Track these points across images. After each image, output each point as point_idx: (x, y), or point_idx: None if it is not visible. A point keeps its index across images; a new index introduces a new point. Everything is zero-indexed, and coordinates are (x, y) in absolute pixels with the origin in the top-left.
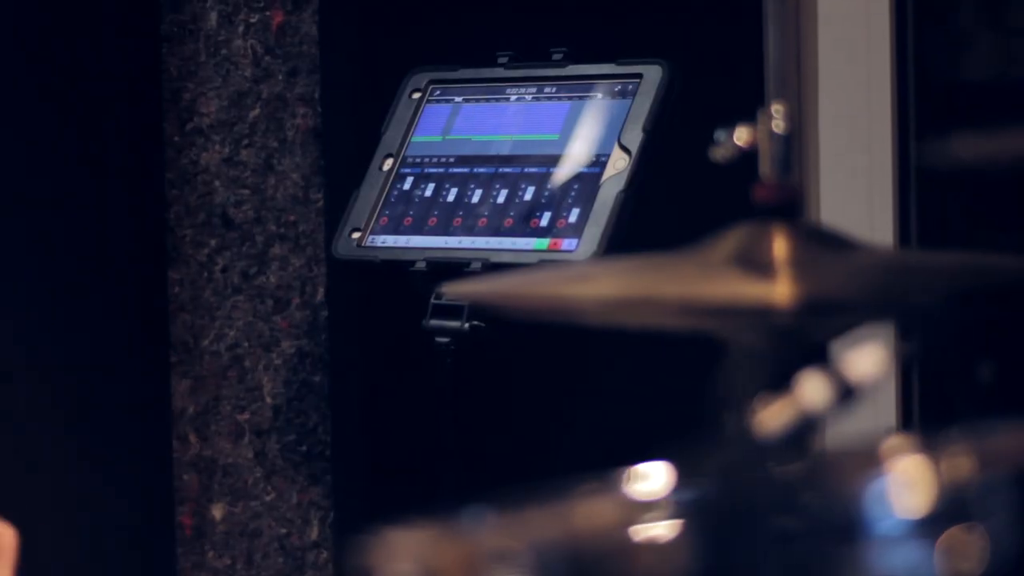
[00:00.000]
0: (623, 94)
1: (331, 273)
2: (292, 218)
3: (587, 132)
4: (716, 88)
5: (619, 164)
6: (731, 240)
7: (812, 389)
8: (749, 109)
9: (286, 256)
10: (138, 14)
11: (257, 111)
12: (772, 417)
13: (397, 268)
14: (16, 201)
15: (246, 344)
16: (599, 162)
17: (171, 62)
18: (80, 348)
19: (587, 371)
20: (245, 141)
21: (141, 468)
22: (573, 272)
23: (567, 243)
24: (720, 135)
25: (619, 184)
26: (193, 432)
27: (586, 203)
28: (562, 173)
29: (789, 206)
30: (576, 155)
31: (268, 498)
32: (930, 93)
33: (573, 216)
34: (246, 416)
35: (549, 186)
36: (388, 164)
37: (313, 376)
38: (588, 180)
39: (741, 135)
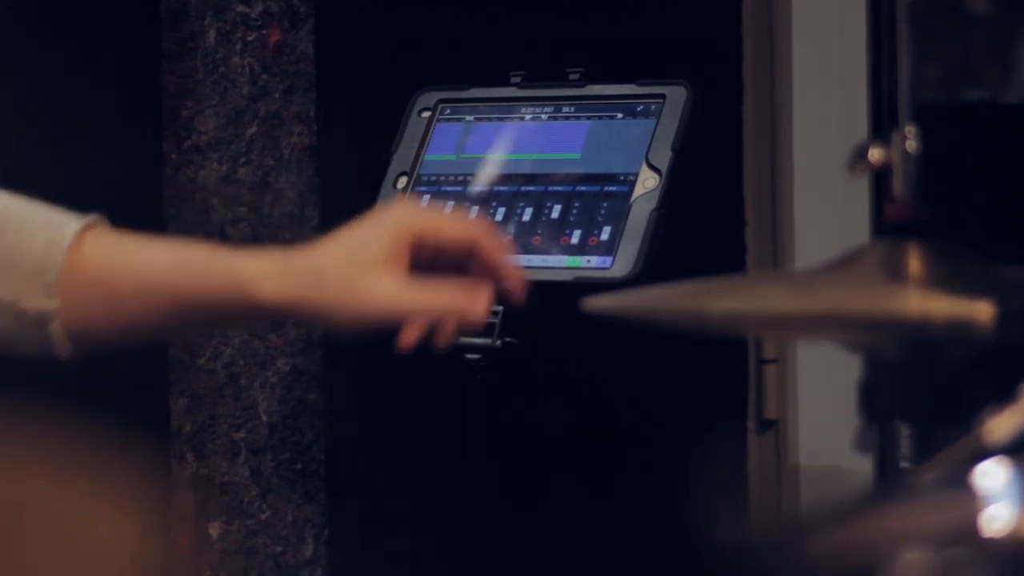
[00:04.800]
0: (645, 114)
1: None
2: (288, 236)
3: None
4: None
5: (648, 183)
6: (869, 257)
7: None
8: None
9: None
10: (138, 31)
11: (254, 129)
12: (999, 427)
13: None
14: None
15: (242, 362)
16: (626, 181)
17: (170, 79)
18: (80, 367)
19: (627, 389)
20: (242, 159)
21: (140, 487)
22: (717, 287)
23: (600, 260)
24: (855, 153)
25: (651, 202)
26: (190, 451)
27: (617, 221)
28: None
29: (922, 224)
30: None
31: (264, 516)
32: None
33: (605, 234)
34: (242, 434)
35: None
36: (403, 182)
37: (308, 394)
38: (617, 199)
39: (874, 154)
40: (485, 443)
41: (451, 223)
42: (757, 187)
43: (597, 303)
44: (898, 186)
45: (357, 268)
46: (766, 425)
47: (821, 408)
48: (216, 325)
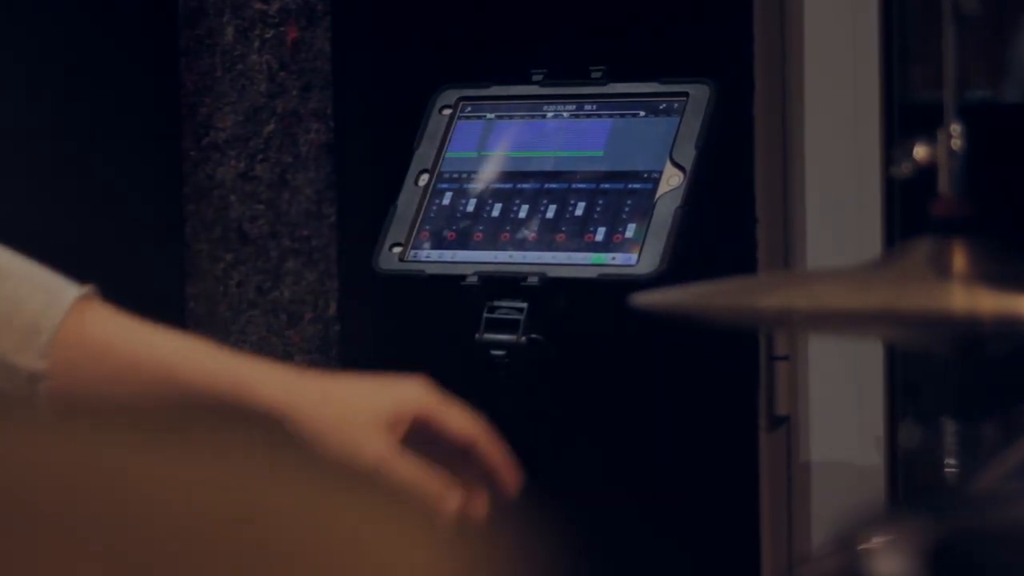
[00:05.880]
0: (668, 112)
1: (343, 288)
2: (305, 233)
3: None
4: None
5: (673, 181)
6: (914, 254)
7: None
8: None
9: (299, 271)
10: (155, 28)
11: (272, 126)
12: None
13: (444, 283)
14: (30, 216)
15: None
16: (650, 178)
17: (187, 77)
18: None
19: (643, 384)
20: (260, 156)
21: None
22: (767, 283)
23: (625, 257)
24: (898, 152)
25: (676, 200)
26: None
27: (642, 219)
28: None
29: (967, 221)
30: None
31: None
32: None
33: (629, 231)
34: None
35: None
36: (424, 179)
37: None
38: (641, 196)
39: (920, 152)
40: (508, 439)
41: (456, 419)
42: (768, 184)
43: (646, 299)
44: (944, 183)
45: (359, 415)
46: (777, 422)
47: (832, 405)
48: (200, 420)
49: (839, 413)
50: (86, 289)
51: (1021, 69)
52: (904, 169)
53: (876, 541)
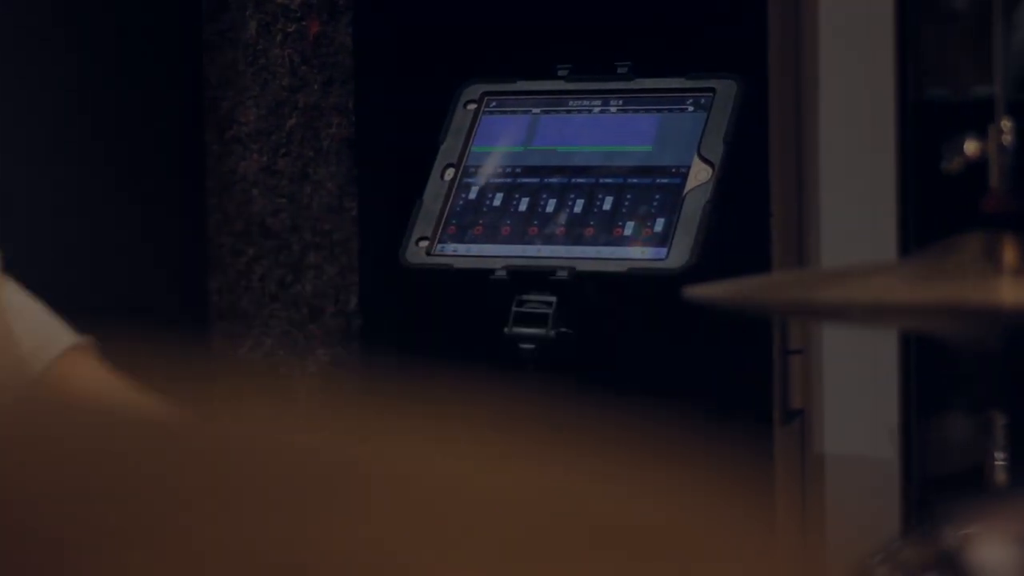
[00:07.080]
0: (695, 107)
1: (364, 282)
2: (327, 227)
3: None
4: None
5: (701, 175)
6: (966, 249)
7: None
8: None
9: (320, 265)
10: (179, 23)
11: (294, 120)
12: None
13: (472, 277)
14: (54, 210)
15: (281, 352)
16: (678, 173)
17: (210, 71)
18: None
19: (663, 378)
20: (282, 150)
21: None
22: (823, 276)
23: (654, 252)
24: (949, 147)
25: (705, 194)
26: None
27: (670, 213)
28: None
29: (1019, 216)
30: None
31: None
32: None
33: (658, 226)
34: None
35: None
36: (450, 174)
37: (346, 384)
38: (669, 191)
39: (970, 147)
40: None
41: None
42: (783, 180)
43: (701, 292)
44: (995, 179)
45: None
46: (791, 415)
47: (847, 398)
48: None
49: (853, 406)
50: (83, 339)
51: (1017, 66)
52: (955, 164)
53: (975, 528)
